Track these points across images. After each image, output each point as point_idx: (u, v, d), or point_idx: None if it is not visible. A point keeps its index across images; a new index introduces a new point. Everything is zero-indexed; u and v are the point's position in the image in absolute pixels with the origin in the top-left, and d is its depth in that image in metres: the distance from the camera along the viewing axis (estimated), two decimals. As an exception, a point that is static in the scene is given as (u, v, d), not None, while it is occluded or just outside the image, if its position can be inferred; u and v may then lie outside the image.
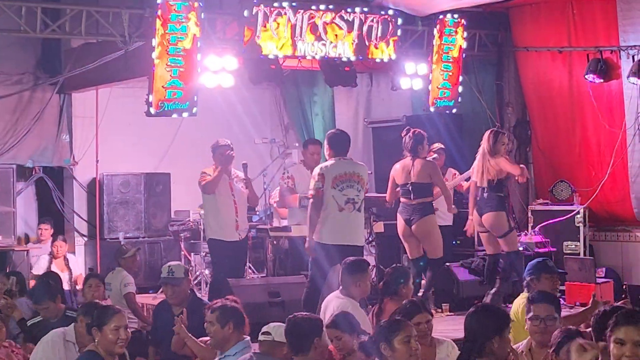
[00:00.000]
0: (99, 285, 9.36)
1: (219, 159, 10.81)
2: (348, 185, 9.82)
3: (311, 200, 9.85)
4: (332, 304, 7.95)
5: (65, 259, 12.10)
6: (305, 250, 9.91)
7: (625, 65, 12.44)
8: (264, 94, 14.20)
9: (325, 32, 11.59)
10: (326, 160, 10.12)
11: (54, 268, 11.14)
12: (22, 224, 12.11)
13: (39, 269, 11.73)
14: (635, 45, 12.36)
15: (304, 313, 6.96)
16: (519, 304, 7.67)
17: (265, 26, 11.09)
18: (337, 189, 9.76)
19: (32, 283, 10.16)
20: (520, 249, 11.87)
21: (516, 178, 11.08)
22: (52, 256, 11.96)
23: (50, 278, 9.14)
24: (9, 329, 7.80)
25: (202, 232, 11.86)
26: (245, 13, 10.89)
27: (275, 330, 6.58)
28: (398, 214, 10.84)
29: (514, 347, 6.56)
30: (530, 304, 6.46)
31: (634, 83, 12.32)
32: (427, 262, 10.80)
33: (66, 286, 11.08)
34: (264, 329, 6.61)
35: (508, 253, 10.95)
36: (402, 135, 10.94)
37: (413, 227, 10.52)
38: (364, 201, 10.03)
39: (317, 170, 9.90)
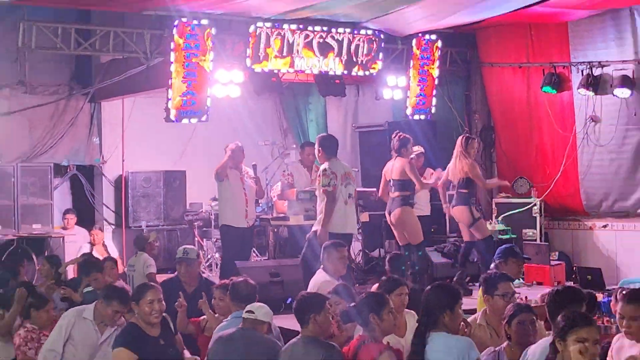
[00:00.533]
0: (113, 267, 9.41)
1: (233, 157, 10.91)
2: (348, 182, 9.95)
3: (327, 195, 9.71)
4: (316, 278, 8.00)
5: (104, 245, 12.09)
6: (317, 238, 9.58)
7: (575, 79, 12.57)
8: (266, 102, 14.09)
9: (319, 50, 11.64)
10: (324, 162, 10.02)
11: (95, 254, 10.91)
12: (58, 215, 12.01)
13: (83, 255, 11.72)
14: (583, 62, 12.45)
15: (309, 292, 6.91)
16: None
17: (267, 44, 11.12)
18: (343, 185, 9.87)
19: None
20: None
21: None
22: (92, 244, 11.94)
23: (92, 257, 9.37)
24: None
25: (213, 222, 11.95)
26: (251, 29, 10.91)
27: (259, 310, 6.50)
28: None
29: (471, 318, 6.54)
30: (497, 283, 6.39)
31: (582, 94, 12.44)
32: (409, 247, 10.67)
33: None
34: (248, 307, 6.50)
35: (480, 240, 10.87)
36: (392, 137, 11.14)
37: (391, 216, 10.49)
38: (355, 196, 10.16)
39: (328, 168, 9.83)
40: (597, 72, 12.38)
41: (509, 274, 7.06)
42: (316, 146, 10.24)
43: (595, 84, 12.35)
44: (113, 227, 12.50)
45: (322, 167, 9.94)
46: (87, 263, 8.94)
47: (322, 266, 8.13)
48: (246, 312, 6.47)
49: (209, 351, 6.63)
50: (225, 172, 10.85)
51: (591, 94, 12.43)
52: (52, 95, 11.81)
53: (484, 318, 6.44)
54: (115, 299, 6.69)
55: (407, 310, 6.59)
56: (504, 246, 8.64)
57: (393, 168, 10.48)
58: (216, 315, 7.42)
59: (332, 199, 9.68)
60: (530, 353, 5.36)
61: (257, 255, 11.96)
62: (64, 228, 12.15)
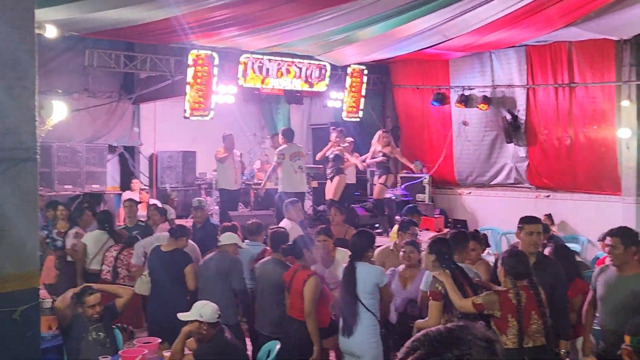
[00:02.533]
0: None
1: (227, 143, 10.99)
2: (297, 158, 10.08)
3: (277, 166, 10.05)
4: (282, 223, 7.87)
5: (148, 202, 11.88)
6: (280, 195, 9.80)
7: (453, 97, 12.69)
8: (251, 107, 14.00)
9: (287, 73, 11.64)
10: (282, 145, 10.28)
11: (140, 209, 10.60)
12: (110, 179, 11.91)
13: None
14: (458, 86, 12.59)
15: (279, 228, 6.71)
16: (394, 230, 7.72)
17: (252, 68, 11.12)
18: (292, 161, 10.02)
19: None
20: (393, 197, 12.30)
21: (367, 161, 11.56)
22: (139, 202, 11.78)
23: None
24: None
25: (214, 185, 11.99)
26: (241, 58, 10.91)
27: (224, 238, 6.39)
28: None
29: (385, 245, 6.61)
30: (409, 225, 6.46)
31: (457, 107, 12.59)
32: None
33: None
34: (220, 238, 6.48)
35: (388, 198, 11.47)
36: (331, 130, 11.29)
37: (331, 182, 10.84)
38: (305, 168, 10.24)
39: (279, 150, 10.14)
40: (467, 93, 12.49)
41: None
42: (280, 135, 10.30)
43: (466, 101, 12.48)
44: (147, 188, 12.35)
45: (277, 150, 10.18)
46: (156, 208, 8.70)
47: (287, 215, 8.12)
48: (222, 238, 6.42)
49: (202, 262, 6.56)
50: (225, 161, 10.88)
51: (463, 107, 12.55)
52: (107, 99, 11.62)
53: (394, 247, 6.46)
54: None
55: (341, 249, 6.30)
56: (410, 205, 8.79)
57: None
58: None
59: (277, 168, 10.07)
60: (426, 274, 5.32)
61: (243, 207, 11.91)
62: (131, 189, 11.83)
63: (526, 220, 5.11)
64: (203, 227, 8.26)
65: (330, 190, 11.09)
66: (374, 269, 5.47)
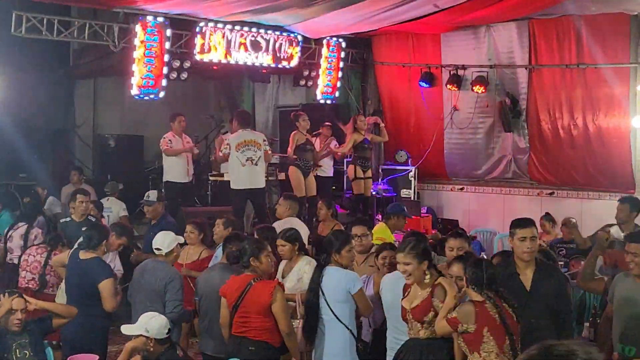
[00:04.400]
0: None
1: (175, 126, 10.75)
2: (247, 148, 9.84)
3: (223, 158, 10.03)
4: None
5: None
6: None
7: (444, 77, 12.62)
8: (209, 85, 14.01)
9: (251, 46, 11.44)
10: (233, 131, 10.15)
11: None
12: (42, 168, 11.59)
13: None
14: (450, 65, 12.52)
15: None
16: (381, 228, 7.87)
17: (210, 40, 10.91)
18: (239, 152, 9.80)
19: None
20: (374, 193, 12.28)
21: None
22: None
23: None
24: None
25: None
26: (198, 28, 10.70)
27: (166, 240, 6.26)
28: None
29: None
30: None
31: (449, 89, 12.56)
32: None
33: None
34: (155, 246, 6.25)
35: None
36: (292, 115, 11.26)
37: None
38: (262, 158, 9.94)
39: (226, 140, 10.04)
40: (460, 72, 12.44)
41: (398, 227, 7.63)
42: (233, 119, 10.24)
43: (459, 82, 12.43)
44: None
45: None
46: None
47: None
48: (155, 249, 6.18)
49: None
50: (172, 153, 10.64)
51: (455, 89, 12.50)
52: (37, 72, 11.31)
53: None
54: None
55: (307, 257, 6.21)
56: (395, 203, 8.79)
57: None
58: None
59: (224, 161, 10.01)
60: (386, 278, 5.48)
61: (197, 203, 11.79)
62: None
63: (518, 224, 5.02)
64: (158, 224, 8.16)
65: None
66: (345, 273, 5.43)
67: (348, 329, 5.32)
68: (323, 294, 5.35)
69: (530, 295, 4.86)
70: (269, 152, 10.25)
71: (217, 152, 10.77)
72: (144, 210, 8.56)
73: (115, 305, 5.98)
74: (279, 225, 7.26)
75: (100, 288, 5.84)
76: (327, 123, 11.96)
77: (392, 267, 5.63)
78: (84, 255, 6.07)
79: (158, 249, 6.12)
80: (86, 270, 5.97)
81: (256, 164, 9.89)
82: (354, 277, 5.45)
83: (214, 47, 11.05)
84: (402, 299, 4.98)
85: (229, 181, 10.33)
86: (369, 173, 11.82)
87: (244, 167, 9.79)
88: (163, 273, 5.99)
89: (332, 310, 5.31)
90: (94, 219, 8.23)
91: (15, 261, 7.73)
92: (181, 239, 6.46)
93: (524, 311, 4.61)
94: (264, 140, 10.11)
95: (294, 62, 12.26)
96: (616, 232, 6.82)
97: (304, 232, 6.61)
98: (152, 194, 8.57)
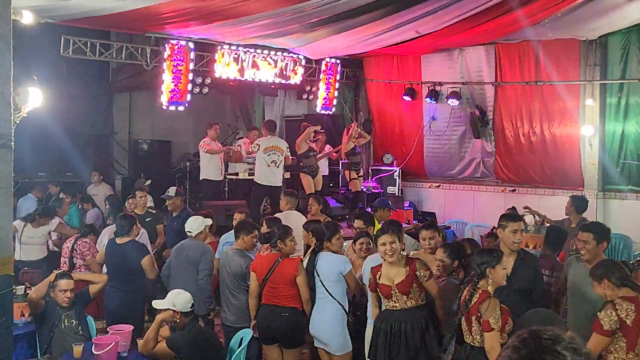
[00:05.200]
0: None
1: (212, 133, 10.81)
2: (273, 152, 9.99)
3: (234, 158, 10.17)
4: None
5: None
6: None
7: (424, 92, 12.65)
8: (226, 98, 14.03)
9: (262, 65, 11.46)
10: (262, 136, 10.24)
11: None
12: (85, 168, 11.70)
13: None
14: (429, 81, 12.54)
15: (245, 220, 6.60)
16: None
17: (228, 59, 10.95)
18: (266, 154, 9.96)
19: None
20: (364, 189, 12.31)
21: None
22: None
23: None
24: None
25: (188, 175, 11.82)
26: (217, 49, 10.75)
27: (192, 227, 6.28)
28: None
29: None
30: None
31: (428, 102, 12.57)
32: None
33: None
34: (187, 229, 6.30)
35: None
36: (303, 125, 11.26)
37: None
38: (282, 162, 10.10)
39: (257, 142, 10.11)
40: (437, 88, 12.49)
41: (384, 218, 7.36)
42: (262, 127, 10.35)
43: (436, 96, 12.47)
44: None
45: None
46: None
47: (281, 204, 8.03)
48: (187, 231, 6.26)
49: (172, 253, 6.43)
50: (213, 152, 10.71)
51: (433, 102, 12.54)
52: (83, 87, 11.19)
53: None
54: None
55: None
56: (381, 198, 8.81)
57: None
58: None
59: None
60: (368, 260, 5.42)
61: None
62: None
63: (509, 218, 4.93)
64: (179, 216, 8.21)
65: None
66: (336, 257, 5.49)
67: (340, 304, 5.36)
68: (318, 275, 5.40)
69: (509, 279, 4.62)
70: (289, 157, 10.41)
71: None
72: (167, 203, 8.53)
73: (155, 275, 6.15)
74: (280, 217, 7.35)
75: (143, 264, 6.03)
76: (322, 131, 12.00)
77: (368, 252, 5.72)
78: (120, 240, 6.20)
79: (189, 232, 6.23)
80: (124, 252, 6.12)
81: (277, 166, 10.08)
82: (344, 260, 5.48)
83: (229, 65, 11.11)
84: (377, 279, 4.93)
85: (243, 179, 10.38)
86: (361, 173, 11.90)
87: (268, 167, 9.95)
88: (197, 247, 6.15)
89: (326, 289, 5.33)
90: (153, 212, 8.25)
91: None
92: (209, 222, 6.52)
93: (502, 292, 4.43)
94: (287, 148, 10.29)
95: (298, 79, 12.31)
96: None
97: (302, 222, 6.71)
98: (171, 190, 8.59)
